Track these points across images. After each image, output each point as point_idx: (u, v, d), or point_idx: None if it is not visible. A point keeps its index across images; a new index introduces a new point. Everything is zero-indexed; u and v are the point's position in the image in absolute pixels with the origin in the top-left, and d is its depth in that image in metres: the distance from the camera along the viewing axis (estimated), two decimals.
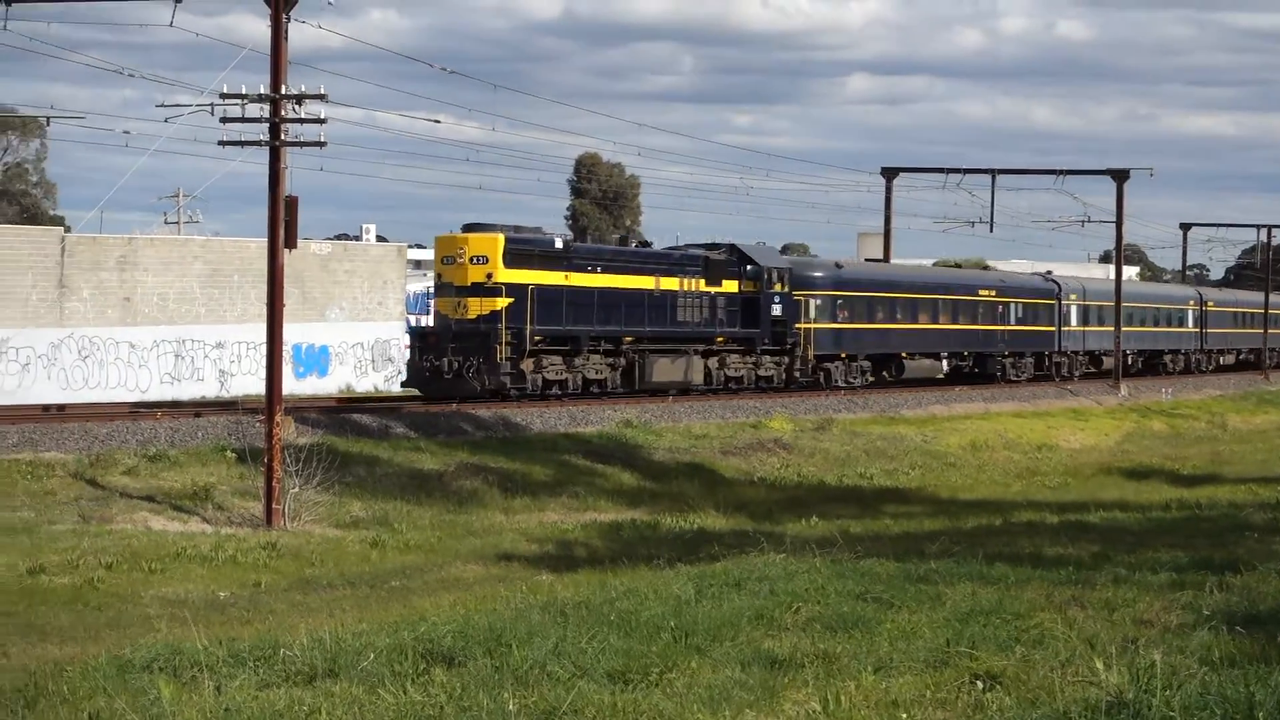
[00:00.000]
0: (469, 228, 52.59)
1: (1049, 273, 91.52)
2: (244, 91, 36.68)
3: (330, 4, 37.28)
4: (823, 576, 21.80)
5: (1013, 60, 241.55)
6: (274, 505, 35.67)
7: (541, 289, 51.91)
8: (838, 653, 16.74)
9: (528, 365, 51.55)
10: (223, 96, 36.86)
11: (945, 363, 78.76)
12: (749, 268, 62.82)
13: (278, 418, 36.56)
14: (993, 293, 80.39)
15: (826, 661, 16.39)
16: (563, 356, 53.20)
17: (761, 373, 63.43)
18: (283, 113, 36.64)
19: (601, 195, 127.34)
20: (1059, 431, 67.73)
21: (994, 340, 79.82)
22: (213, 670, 16.53)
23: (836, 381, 67.38)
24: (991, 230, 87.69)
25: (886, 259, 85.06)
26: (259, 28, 40.82)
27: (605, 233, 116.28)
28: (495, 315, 50.53)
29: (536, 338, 51.50)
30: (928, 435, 60.80)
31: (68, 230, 67.10)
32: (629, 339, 56.26)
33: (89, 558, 29.21)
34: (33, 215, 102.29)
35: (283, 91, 36.59)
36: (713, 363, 60.62)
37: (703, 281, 60.07)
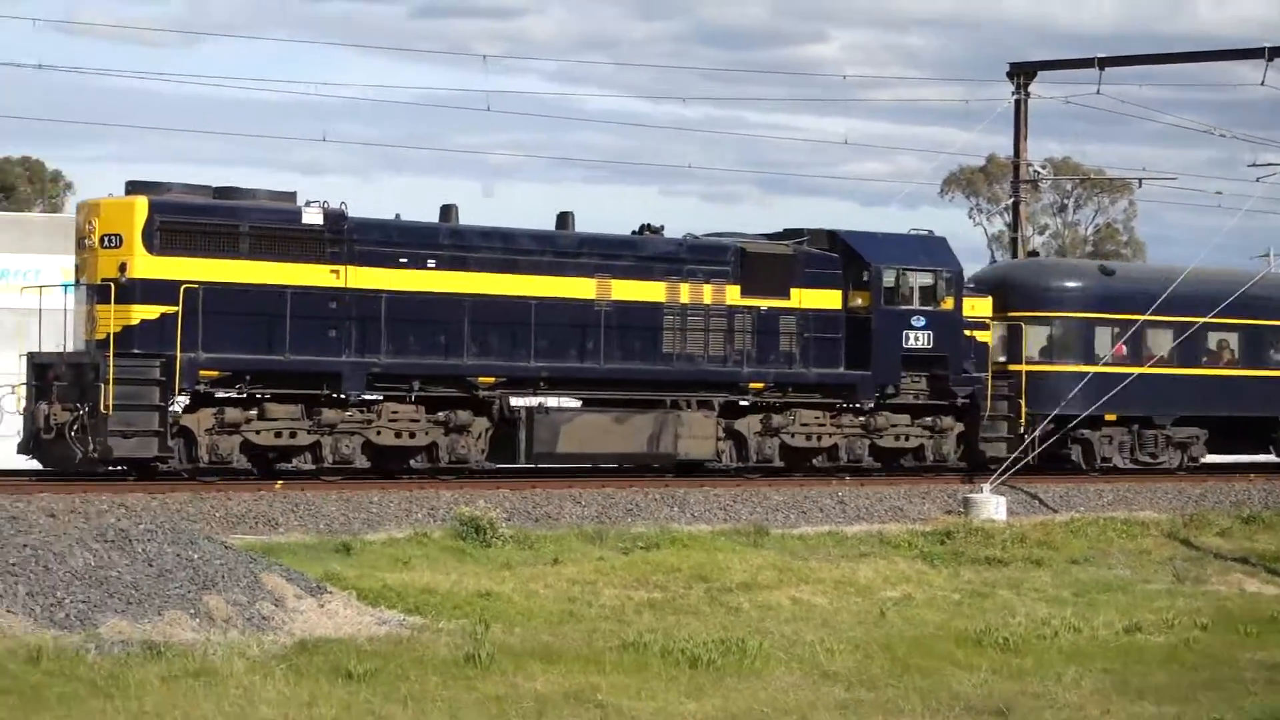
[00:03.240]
0: (131, 188, 31.34)
1: None
2: None
3: None
4: None
5: None
6: None
7: (228, 290, 31.06)
8: None
9: (199, 419, 31.08)
10: None
11: None
12: (860, 272, 37.80)
13: None
14: None
15: None
16: (305, 406, 31.94)
17: (885, 442, 37.70)
18: None
19: None
20: None
21: None
22: None
23: (1105, 458, 40.94)
24: None
25: None
26: None
27: None
28: (121, 335, 30.46)
29: (211, 371, 31.03)
30: None
31: None
32: (490, 380, 33.60)
33: (1184, 618, 29.64)
34: None
35: None
36: (747, 423, 36.37)
37: (734, 289, 36.36)
